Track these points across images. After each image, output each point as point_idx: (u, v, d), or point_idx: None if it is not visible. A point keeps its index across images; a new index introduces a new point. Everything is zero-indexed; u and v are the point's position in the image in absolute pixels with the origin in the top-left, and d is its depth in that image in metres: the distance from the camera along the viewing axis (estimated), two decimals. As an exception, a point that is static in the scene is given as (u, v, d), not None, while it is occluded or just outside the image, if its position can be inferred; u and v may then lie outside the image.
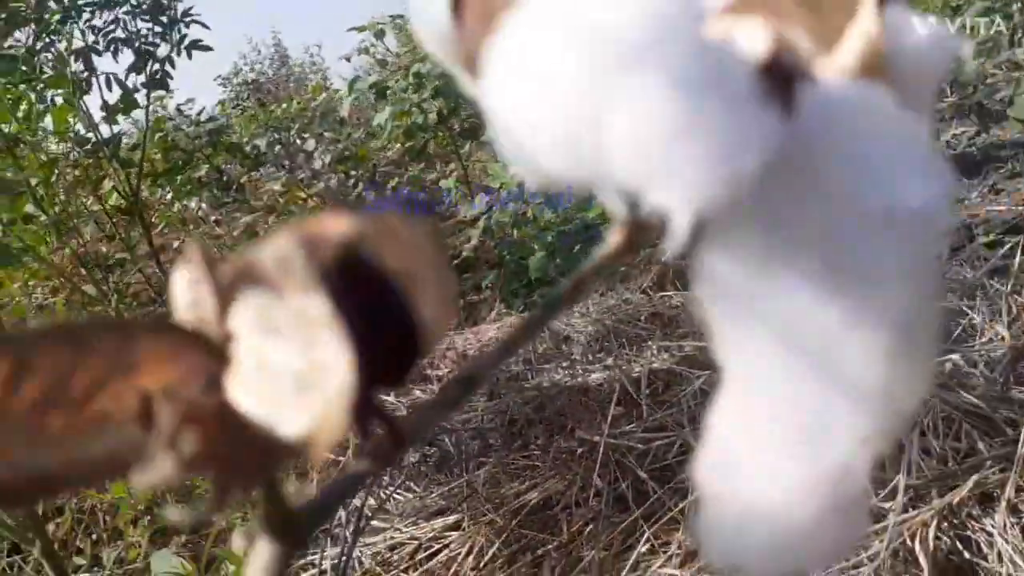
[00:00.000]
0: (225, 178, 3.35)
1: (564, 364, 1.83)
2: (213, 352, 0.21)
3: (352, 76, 2.94)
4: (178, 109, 3.25)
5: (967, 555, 1.17)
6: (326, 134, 3.28)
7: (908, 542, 1.18)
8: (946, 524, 1.20)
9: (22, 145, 2.01)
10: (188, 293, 0.22)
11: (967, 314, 1.49)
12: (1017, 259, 1.54)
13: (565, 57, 0.16)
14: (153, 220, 3.28)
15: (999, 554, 1.16)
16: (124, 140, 2.75)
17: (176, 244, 3.86)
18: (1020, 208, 2.12)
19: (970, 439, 1.29)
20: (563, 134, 0.17)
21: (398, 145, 2.82)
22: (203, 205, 3.45)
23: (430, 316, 0.20)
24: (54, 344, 0.20)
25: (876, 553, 1.16)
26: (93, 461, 0.21)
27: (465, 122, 2.86)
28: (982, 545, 1.18)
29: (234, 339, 0.20)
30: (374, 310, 0.19)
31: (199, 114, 3.36)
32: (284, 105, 3.63)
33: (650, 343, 1.81)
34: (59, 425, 0.21)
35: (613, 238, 0.22)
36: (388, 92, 2.72)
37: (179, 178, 3.22)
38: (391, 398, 1.74)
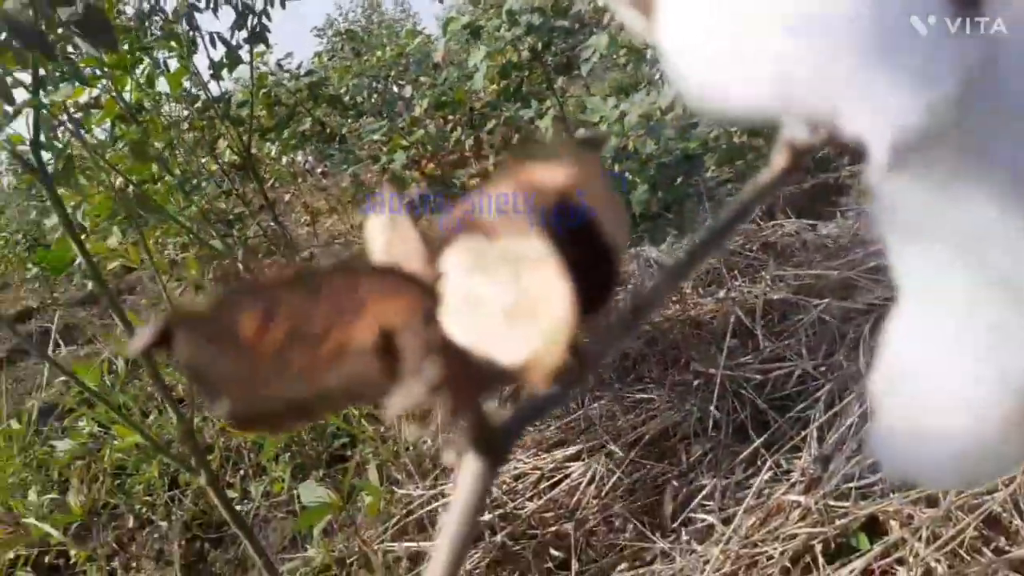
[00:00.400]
0: (328, 130, 3.46)
1: (675, 298, 1.85)
2: (426, 291, 0.24)
3: (447, 16, 2.95)
4: (278, 64, 3.36)
5: (1109, 478, 1.15)
6: (422, 79, 3.33)
7: (1044, 466, 1.16)
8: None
9: (144, 111, 2.14)
10: (385, 237, 0.26)
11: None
12: None
13: None
14: (263, 175, 3.44)
15: None
16: (230, 99, 2.88)
17: (287, 197, 4.03)
18: None
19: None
20: (748, 65, 0.17)
21: (493, 86, 2.83)
22: (309, 158, 3.58)
23: (619, 244, 0.23)
24: (293, 289, 0.24)
25: (1011, 477, 1.15)
26: (332, 390, 0.26)
27: (560, 57, 2.85)
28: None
29: (445, 279, 0.22)
30: (583, 245, 0.22)
31: (298, 68, 3.46)
32: (379, 53, 3.69)
33: (764, 273, 1.80)
34: (303, 360, 0.25)
35: (777, 159, 0.23)
36: (482, 31, 2.73)
37: (285, 132, 3.34)
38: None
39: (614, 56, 2.64)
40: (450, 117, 3.00)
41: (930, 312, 0.20)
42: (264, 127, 3.24)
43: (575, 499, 1.48)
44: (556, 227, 0.21)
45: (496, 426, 0.26)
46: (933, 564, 1.10)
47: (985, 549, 1.10)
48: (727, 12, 0.18)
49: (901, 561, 1.13)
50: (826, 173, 2.23)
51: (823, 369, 1.46)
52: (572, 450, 1.59)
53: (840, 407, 1.35)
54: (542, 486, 1.55)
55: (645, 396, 1.63)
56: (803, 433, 1.33)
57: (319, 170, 3.84)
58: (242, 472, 2.08)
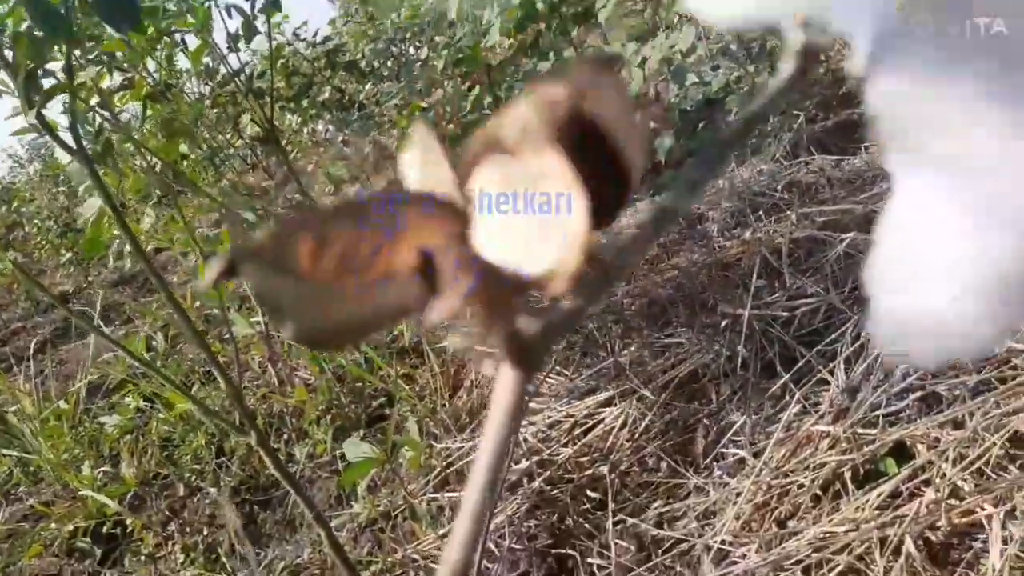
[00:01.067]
0: (347, 97, 3.51)
1: (701, 242, 1.89)
2: (458, 213, 0.29)
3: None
4: (295, 34, 3.41)
5: None
6: (437, 39, 3.35)
7: (1070, 384, 1.20)
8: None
9: (170, 88, 2.21)
10: (418, 166, 0.31)
11: None
12: None
13: None
14: (285, 146, 3.51)
15: None
16: (249, 70, 2.94)
17: (310, 167, 4.10)
18: None
19: None
20: None
21: (510, 41, 2.85)
22: (330, 127, 3.64)
23: (634, 160, 0.27)
24: (342, 219, 0.29)
25: (1034, 396, 1.19)
26: (383, 307, 0.31)
27: (576, 6, 2.85)
28: None
29: (473, 200, 0.25)
30: (597, 159, 0.24)
31: (314, 36, 3.51)
32: (393, 16, 3.72)
33: (789, 212, 1.83)
34: (355, 282, 0.30)
35: (785, 67, 0.23)
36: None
37: (304, 102, 3.40)
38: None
39: (630, 3, 2.65)
40: (469, 76, 3.03)
41: (918, 198, 0.22)
42: (284, 98, 3.30)
43: (608, 443, 1.55)
44: (569, 138, 0.23)
45: (529, 338, 0.30)
46: (960, 483, 1.15)
47: (1011, 466, 1.15)
48: None
49: (928, 482, 1.18)
50: (849, 109, 2.24)
51: (850, 302, 1.50)
52: (604, 396, 1.65)
53: (866, 338, 1.39)
54: (576, 432, 1.62)
55: (674, 340, 1.69)
56: (830, 366, 1.38)
57: (340, 139, 3.90)
58: (285, 437, 2.18)
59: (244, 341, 2.27)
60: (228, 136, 2.90)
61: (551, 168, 0.23)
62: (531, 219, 0.24)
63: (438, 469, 1.77)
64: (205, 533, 1.99)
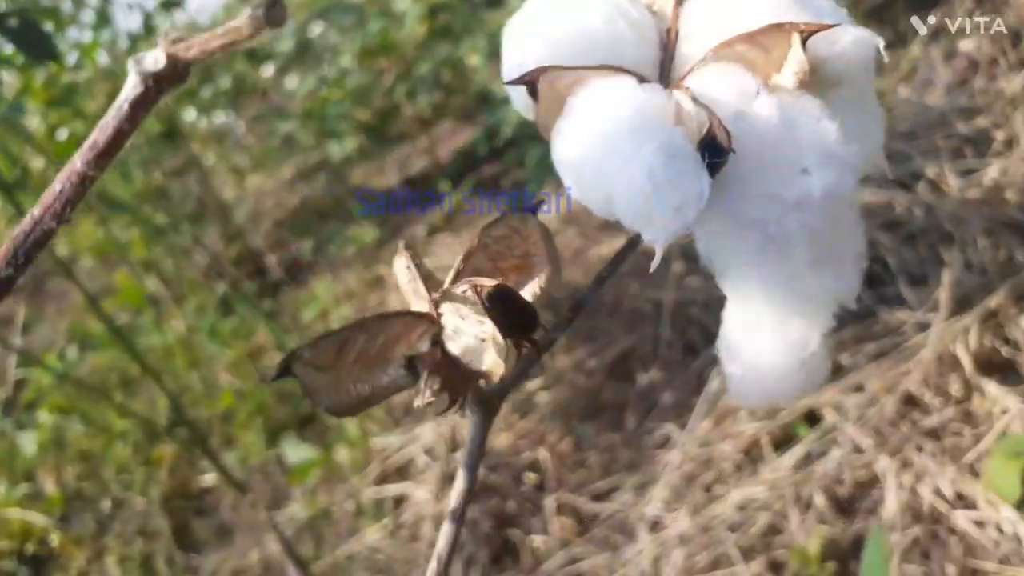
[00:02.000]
0: (250, 84, 3.55)
1: (622, 233, 2.06)
2: (433, 321, 0.47)
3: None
4: (191, 24, 3.42)
5: (1005, 351, 1.41)
6: (346, 23, 3.42)
7: (950, 347, 1.42)
8: (985, 326, 1.44)
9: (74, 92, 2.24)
10: (405, 275, 0.48)
11: (1002, 126, 1.67)
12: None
13: (593, 141, 0.36)
14: (185, 139, 3.52)
15: (1035, 347, 1.40)
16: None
17: (212, 159, 4.11)
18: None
19: (1007, 247, 1.50)
20: (596, 190, 0.36)
21: (423, 28, 2.96)
22: (231, 117, 3.67)
23: (545, 286, 0.46)
24: (358, 330, 0.47)
25: (921, 359, 1.41)
26: (383, 388, 0.48)
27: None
28: (1020, 342, 1.42)
29: (441, 315, 0.44)
30: (511, 309, 0.43)
31: (213, 20, 3.52)
32: (295, -1, 3.76)
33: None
34: (365, 371, 0.48)
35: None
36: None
37: (204, 93, 3.42)
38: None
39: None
40: (382, 65, 3.12)
41: (745, 305, 0.40)
42: (183, 90, 3.31)
43: (544, 427, 1.72)
44: (491, 306, 0.42)
45: (488, 392, 0.50)
46: (860, 441, 1.36)
47: (903, 422, 1.37)
48: (584, 158, 0.37)
49: (834, 442, 1.39)
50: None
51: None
52: (538, 382, 1.82)
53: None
54: (512, 418, 1.78)
55: (602, 325, 1.86)
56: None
57: (242, 129, 3.93)
58: (214, 443, 2.26)
59: (164, 350, 2.34)
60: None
61: (482, 317, 0.42)
62: (476, 337, 0.43)
63: (375, 464, 1.91)
64: (140, 544, 2.07)
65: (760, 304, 0.39)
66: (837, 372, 1.47)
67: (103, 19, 2.53)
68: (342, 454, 1.98)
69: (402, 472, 1.87)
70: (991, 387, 1.37)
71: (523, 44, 0.42)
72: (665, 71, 0.41)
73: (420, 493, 1.75)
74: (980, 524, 1.24)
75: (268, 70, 3.71)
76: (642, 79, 0.38)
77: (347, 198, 3.12)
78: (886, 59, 0.38)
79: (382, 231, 2.92)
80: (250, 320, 2.49)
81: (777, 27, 0.37)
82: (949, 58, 2.17)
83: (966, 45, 2.09)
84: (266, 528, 1.80)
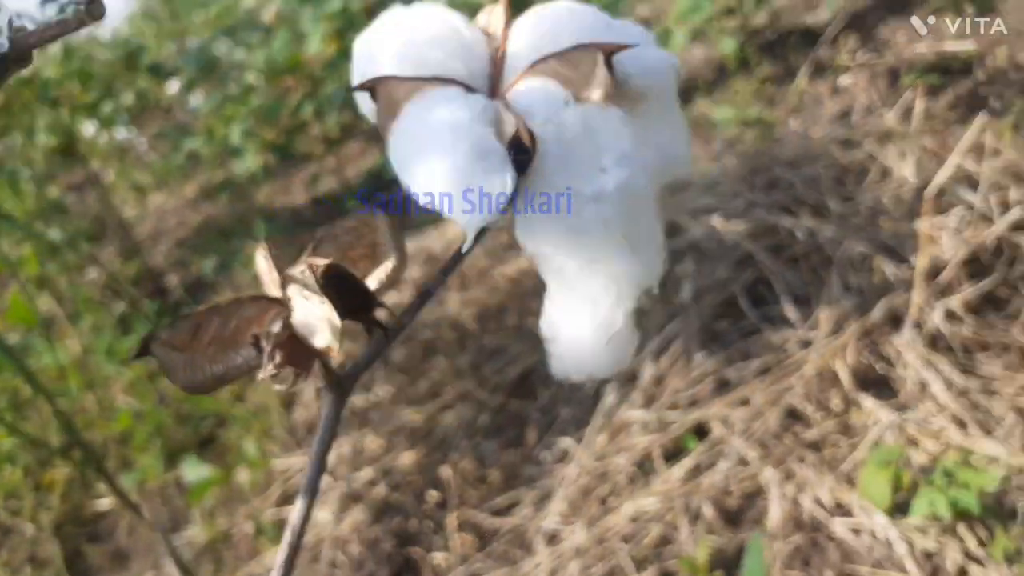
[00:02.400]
0: (154, 100, 3.49)
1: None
2: (284, 305, 0.51)
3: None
4: (90, 36, 3.34)
5: (880, 367, 1.51)
6: (252, 41, 3.40)
7: (830, 363, 1.52)
8: (862, 344, 1.54)
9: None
10: (264, 266, 0.53)
11: (877, 159, 1.79)
12: (919, 104, 1.84)
13: (419, 141, 0.42)
14: (85, 155, 3.43)
15: (905, 363, 1.50)
16: (47, 80, 2.89)
17: (112, 176, 4.01)
18: (944, 46, 2.39)
19: (881, 270, 1.61)
20: (421, 183, 0.42)
21: (331, 48, 2.97)
22: (133, 133, 3.59)
23: (388, 275, 0.51)
24: (213, 313, 0.51)
25: (803, 375, 1.50)
26: (236, 368, 0.52)
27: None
28: (892, 358, 1.52)
29: (290, 300, 0.49)
30: (347, 288, 0.47)
31: (113, 37, 3.45)
32: (202, 14, 3.72)
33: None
34: (220, 352, 0.51)
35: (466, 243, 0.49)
36: (311, -6, 2.86)
37: (105, 108, 3.35)
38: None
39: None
40: (288, 84, 3.12)
41: (561, 288, 0.46)
42: (81, 104, 3.24)
43: (448, 444, 1.74)
44: (326, 283, 0.48)
45: (340, 374, 0.55)
46: (746, 453, 1.44)
47: (786, 435, 1.45)
48: (410, 157, 0.44)
49: (721, 454, 1.46)
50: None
51: (657, 304, 1.77)
52: (441, 400, 1.85)
53: (670, 328, 1.66)
54: (416, 437, 1.80)
55: (506, 344, 1.90)
56: (640, 356, 1.64)
57: (144, 146, 3.85)
58: (110, 465, 2.20)
59: (58, 371, 2.27)
60: (21, 147, 2.83)
61: (324, 307, 0.47)
62: (316, 316, 0.49)
63: (277, 485, 1.89)
64: (28, 573, 1.99)
65: (571, 287, 0.46)
66: (724, 387, 1.55)
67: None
68: (242, 475, 1.96)
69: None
70: (867, 401, 1.46)
71: (368, 55, 0.48)
72: (495, 84, 0.47)
73: (321, 514, 1.75)
74: (856, 531, 1.32)
75: (173, 87, 3.65)
76: (471, 89, 0.45)
77: (252, 217, 3.09)
78: (680, 76, 0.47)
79: (288, 251, 2.90)
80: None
81: (584, 47, 0.43)
82: (833, 93, 2.31)
83: (846, 80, 2.24)
84: (163, 552, 1.77)
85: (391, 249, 0.55)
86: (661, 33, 2.85)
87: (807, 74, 2.33)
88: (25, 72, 2.61)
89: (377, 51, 0.48)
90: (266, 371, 0.48)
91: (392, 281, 0.56)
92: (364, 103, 0.49)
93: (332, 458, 1.81)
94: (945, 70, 2.25)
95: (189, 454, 2.13)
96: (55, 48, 2.98)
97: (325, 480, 1.82)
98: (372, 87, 0.45)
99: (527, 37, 0.48)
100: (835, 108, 2.18)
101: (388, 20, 0.50)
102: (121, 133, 3.69)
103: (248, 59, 3.24)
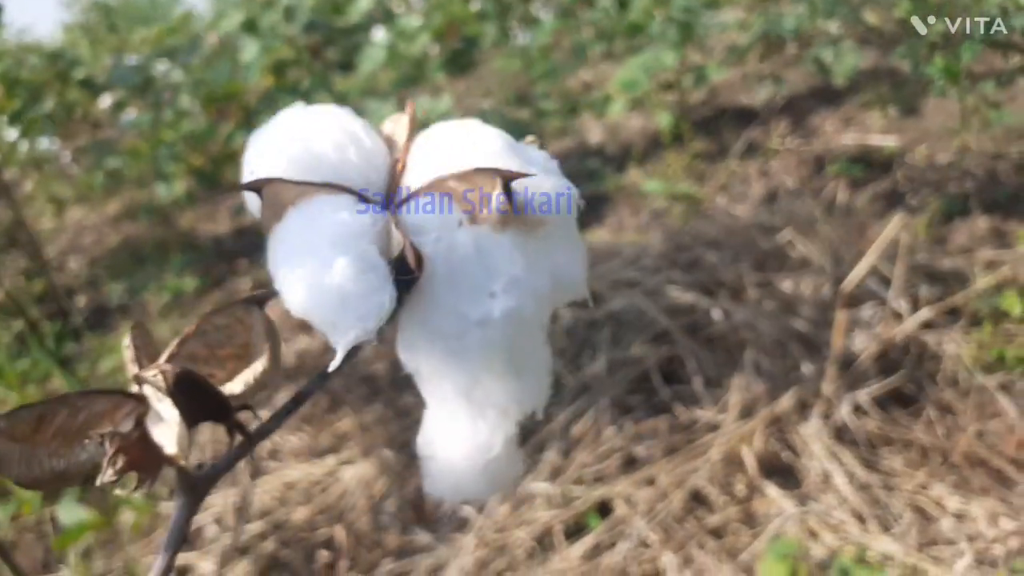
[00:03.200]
0: (81, 111, 3.36)
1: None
2: (141, 402, 0.46)
3: (216, 12, 2.99)
4: (18, 42, 3.21)
5: (786, 456, 1.51)
6: (193, 63, 3.32)
7: (737, 448, 1.50)
8: (770, 431, 1.53)
9: None
10: (128, 354, 0.48)
11: (797, 248, 1.81)
12: (841, 195, 1.87)
13: (298, 248, 0.40)
14: (2, 162, 3.27)
15: (811, 454, 1.50)
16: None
17: (29, 186, 3.84)
18: (869, 139, 2.47)
19: (793, 358, 1.62)
20: (295, 291, 0.40)
21: (269, 80, 2.92)
22: (57, 143, 3.45)
23: (257, 378, 0.46)
24: (61, 404, 0.46)
25: (709, 458, 1.48)
26: (78, 464, 0.47)
27: (339, 54, 2.99)
28: (798, 447, 1.52)
29: (147, 397, 0.45)
30: (201, 393, 0.43)
31: (41, 44, 3.32)
32: (142, 32, 3.62)
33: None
34: (63, 446, 0.46)
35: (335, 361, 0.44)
36: (256, 28, 2.81)
37: (27, 116, 3.21)
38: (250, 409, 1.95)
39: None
40: (222, 110, 3.04)
41: (441, 409, 0.43)
42: (2, 109, 3.10)
43: (345, 502, 1.66)
44: (177, 389, 0.43)
45: (195, 476, 0.50)
46: (648, 535, 1.40)
47: (689, 517, 1.42)
48: (294, 268, 0.40)
49: (623, 534, 1.42)
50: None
51: (571, 369, 1.74)
52: (345, 455, 1.77)
53: (584, 400, 1.63)
54: (313, 491, 1.71)
55: (415, 401, 1.84)
56: (549, 425, 1.60)
57: (68, 158, 3.70)
58: (-16, 496, 2.05)
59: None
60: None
61: (173, 412, 0.44)
62: (166, 422, 0.45)
63: (163, 531, 1.78)
64: None
65: (450, 408, 0.43)
66: (631, 464, 1.52)
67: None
68: (126, 517, 1.84)
69: (188, 541, 1.75)
70: (771, 489, 1.45)
71: (260, 152, 0.45)
72: (390, 195, 0.45)
73: (205, 564, 1.64)
74: (750, 622, 1.29)
75: (106, 101, 3.53)
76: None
77: (171, 242, 2.98)
78: (582, 207, 0.44)
79: (204, 280, 2.80)
80: (45, 364, 2.30)
81: (483, 170, 0.41)
82: (762, 175, 2.35)
83: (777, 164, 2.28)
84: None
85: (263, 351, 0.51)
86: (601, 99, 2.87)
87: (738, 154, 2.36)
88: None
89: (269, 149, 0.46)
90: (105, 476, 0.44)
91: (261, 385, 0.51)
92: (251, 201, 0.46)
93: (220, 507, 1.71)
94: (868, 163, 2.31)
95: (71, 490, 2.00)
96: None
97: (213, 529, 1.72)
98: (258, 188, 0.43)
99: (429, 152, 0.46)
100: (762, 190, 2.21)
101: (287, 118, 0.48)
102: (43, 143, 3.54)
103: (185, 82, 3.15)
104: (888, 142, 2.42)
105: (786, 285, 1.73)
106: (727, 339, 1.66)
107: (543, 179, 0.44)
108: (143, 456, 0.44)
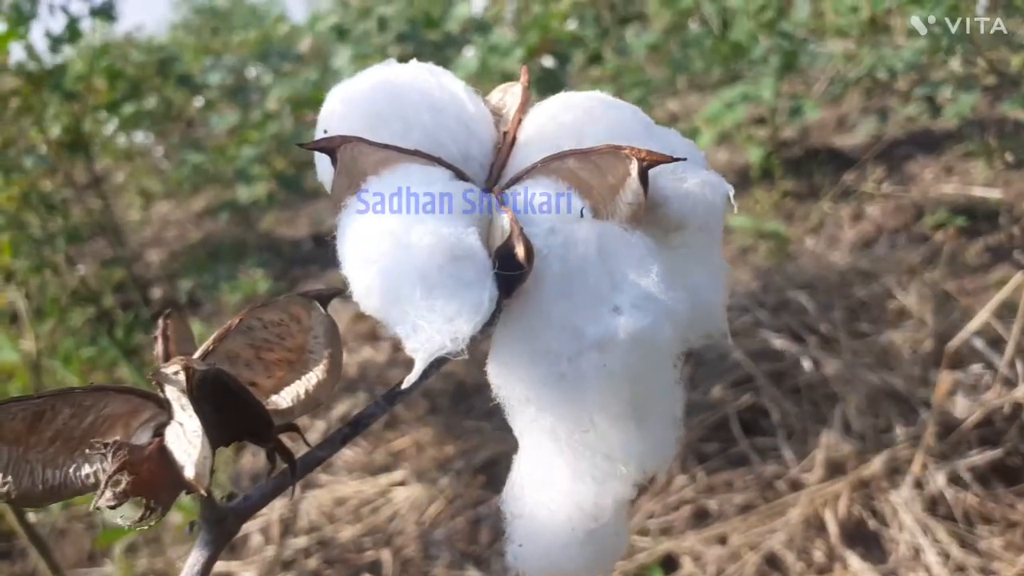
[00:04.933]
0: (175, 110, 3.38)
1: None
2: (163, 407, 0.35)
3: (311, 13, 2.97)
4: (127, 36, 3.25)
5: (872, 524, 1.34)
6: (284, 67, 3.31)
7: (819, 511, 1.35)
8: (856, 495, 1.37)
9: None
10: (158, 348, 0.38)
11: (896, 298, 1.65)
12: (947, 246, 1.70)
13: (378, 227, 0.29)
14: (95, 152, 3.30)
15: (900, 524, 1.33)
16: (69, 68, 2.77)
17: (121, 178, 3.88)
18: (972, 190, 2.28)
19: (887, 417, 1.45)
20: (367, 280, 0.30)
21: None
22: (152, 137, 3.47)
23: (310, 392, 0.35)
24: (64, 401, 0.35)
25: (788, 519, 1.33)
26: (79, 480, 0.36)
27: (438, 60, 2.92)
28: (887, 516, 1.35)
29: (171, 403, 0.34)
30: (233, 403, 0.33)
31: (149, 41, 3.36)
32: (241, 35, 3.64)
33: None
34: (62, 454, 0.35)
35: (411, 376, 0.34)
36: (349, 34, 2.77)
37: (125, 109, 3.23)
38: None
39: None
40: (307, 114, 3.01)
41: (533, 453, 0.32)
42: (104, 101, 3.12)
43: (394, 525, 1.56)
44: (201, 393, 0.33)
45: (223, 508, 0.38)
46: (715, 598, 1.26)
47: (762, 585, 1.27)
48: (369, 250, 0.31)
49: (688, 595, 1.28)
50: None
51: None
52: (399, 475, 1.67)
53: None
54: (363, 511, 1.61)
55: (475, 424, 1.73)
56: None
57: (160, 153, 3.73)
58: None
59: (9, 369, 2.10)
60: (29, 134, 2.70)
61: (186, 407, 0.32)
62: (188, 436, 0.33)
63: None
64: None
65: (551, 454, 0.32)
66: (702, 518, 1.38)
67: (27, 12, 2.35)
68: (173, 518, 1.77)
69: (233, 548, 1.67)
70: (853, 559, 1.29)
71: (340, 111, 0.35)
72: (494, 175, 0.34)
73: (245, 575, 1.55)
74: None
75: (200, 101, 3.55)
76: (461, 176, 0.32)
77: (249, 242, 2.95)
78: (736, 208, 0.34)
79: (278, 283, 2.75)
80: (113, 352, 2.27)
81: (616, 149, 0.30)
82: (856, 219, 2.18)
83: (873, 210, 2.11)
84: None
85: (321, 359, 0.39)
86: (688, 131, 2.74)
87: (832, 195, 2.20)
88: (51, 63, 2.46)
89: (350, 105, 0.36)
90: (100, 499, 0.33)
91: (314, 401, 0.40)
92: (322, 166, 0.36)
93: (267, 518, 1.62)
94: (971, 215, 2.13)
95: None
96: (89, 41, 2.87)
97: (257, 539, 1.63)
98: (332, 148, 0.33)
99: (546, 125, 0.35)
100: (856, 235, 2.05)
101: (376, 71, 0.37)
102: (138, 137, 3.57)
103: (275, 84, 3.14)
104: (993, 194, 2.23)
105: (883, 337, 1.57)
106: (815, 391, 1.50)
107: (690, 170, 0.33)
108: (155, 477, 0.33)
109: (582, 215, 0.30)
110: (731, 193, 0.34)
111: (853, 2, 2.09)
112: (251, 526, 1.65)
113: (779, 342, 1.56)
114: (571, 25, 2.49)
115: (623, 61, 2.50)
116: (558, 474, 0.32)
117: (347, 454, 1.74)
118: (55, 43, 2.51)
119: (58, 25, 2.62)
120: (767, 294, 1.68)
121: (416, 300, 0.28)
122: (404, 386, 0.31)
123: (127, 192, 3.94)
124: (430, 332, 0.28)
